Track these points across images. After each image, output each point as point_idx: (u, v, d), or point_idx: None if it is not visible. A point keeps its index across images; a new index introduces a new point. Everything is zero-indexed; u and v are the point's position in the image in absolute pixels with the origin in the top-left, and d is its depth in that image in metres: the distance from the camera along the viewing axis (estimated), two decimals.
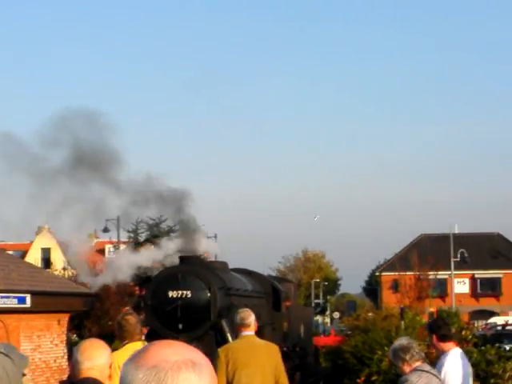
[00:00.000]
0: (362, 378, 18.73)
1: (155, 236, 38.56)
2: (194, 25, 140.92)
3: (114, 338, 10.08)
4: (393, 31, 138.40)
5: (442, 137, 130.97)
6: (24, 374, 7.37)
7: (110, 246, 59.78)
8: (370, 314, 36.30)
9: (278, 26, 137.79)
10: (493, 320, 51.49)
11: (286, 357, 17.75)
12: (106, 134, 18.66)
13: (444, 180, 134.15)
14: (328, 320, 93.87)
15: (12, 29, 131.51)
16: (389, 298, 62.33)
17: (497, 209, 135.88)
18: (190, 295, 15.90)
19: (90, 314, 29.58)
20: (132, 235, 42.45)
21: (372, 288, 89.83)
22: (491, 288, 76.82)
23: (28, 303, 21.68)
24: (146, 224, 41.85)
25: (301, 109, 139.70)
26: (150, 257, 19.11)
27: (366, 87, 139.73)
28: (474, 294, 76.91)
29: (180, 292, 15.90)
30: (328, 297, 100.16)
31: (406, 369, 6.94)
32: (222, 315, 15.77)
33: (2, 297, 21.04)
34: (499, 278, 76.59)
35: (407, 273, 54.32)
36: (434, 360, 9.03)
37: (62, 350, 23.86)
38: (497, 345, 17.21)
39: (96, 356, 5.29)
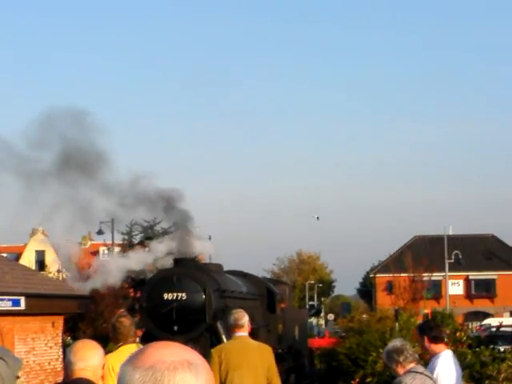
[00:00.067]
0: (357, 380, 18.75)
1: (149, 238, 38.53)
2: (193, 25, 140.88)
3: (108, 340, 10.08)
4: (392, 32, 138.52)
5: (439, 138, 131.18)
6: (18, 377, 7.36)
7: (104, 248, 59.76)
8: (364, 316, 36.38)
9: (277, 27, 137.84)
10: (487, 321, 51.48)
11: (280, 359, 17.77)
12: (93, 134, 18.42)
13: (438, 181, 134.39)
14: (322, 322, 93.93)
15: (10, 30, 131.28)
16: (383, 300, 62.40)
17: (491, 210, 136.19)
18: (185, 297, 15.91)
19: (85, 316, 29.56)
20: (126, 237, 42.42)
21: (366, 290, 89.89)
22: (485, 289, 76.92)
23: (22, 306, 21.65)
24: (140, 226, 41.84)
25: (300, 109, 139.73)
26: (138, 260, 19.03)
27: (365, 87, 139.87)
28: (469, 295, 77.00)
29: (175, 294, 15.92)
30: (322, 299, 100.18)
31: (400, 371, 6.95)
32: (216, 317, 15.78)
33: None
34: (493, 280, 76.69)
35: (401, 274, 54.40)
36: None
37: (56, 352, 23.83)
38: (491, 346, 17.23)
39: (89, 357, 5.29)
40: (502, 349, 18.37)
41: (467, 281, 76.76)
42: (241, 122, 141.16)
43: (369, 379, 18.14)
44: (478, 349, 16.05)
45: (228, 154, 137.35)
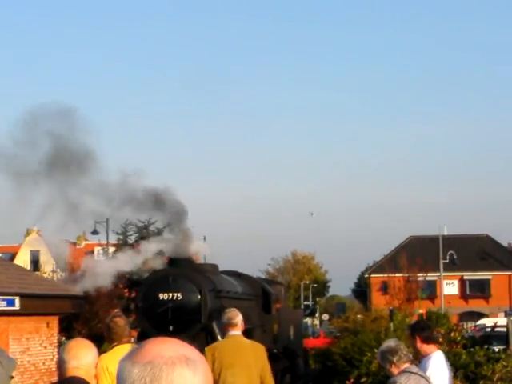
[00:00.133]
0: (352, 380, 18.77)
1: (144, 238, 38.50)
2: (193, 25, 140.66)
3: (103, 340, 10.08)
4: (393, 31, 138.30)
5: (436, 139, 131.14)
6: (12, 377, 7.36)
7: (99, 248, 59.73)
8: (359, 316, 36.41)
9: (277, 27, 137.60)
10: (482, 322, 51.56)
11: (275, 359, 17.78)
12: (80, 132, 18.18)
13: (433, 182, 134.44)
14: (317, 322, 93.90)
15: (10, 30, 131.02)
16: (378, 300, 62.50)
17: (486, 211, 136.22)
18: (180, 297, 15.92)
19: (79, 316, 29.54)
20: (121, 237, 42.39)
21: (361, 290, 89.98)
22: (480, 290, 77.05)
23: (17, 306, 21.63)
24: (135, 226, 41.80)
25: (300, 109, 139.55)
26: (127, 261, 18.88)
27: (365, 87, 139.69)
28: (463, 295, 77.12)
29: (171, 294, 15.93)
30: (317, 299, 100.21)
31: (394, 371, 6.96)
32: (212, 317, 15.79)
33: None
34: (488, 280, 76.83)
35: (396, 274, 54.50)
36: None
37: (51, 352, 23.81)
38: (486, 346, 17.28)
39: (82, 355, 5.30)
40: (496, 349, 18.39)
41: (462, 281, 76.88)
42: (241, 122, 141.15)
43: (363, 379, 18.16)
44: (472, 349, 16.10)
45: (228, 154, 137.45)
